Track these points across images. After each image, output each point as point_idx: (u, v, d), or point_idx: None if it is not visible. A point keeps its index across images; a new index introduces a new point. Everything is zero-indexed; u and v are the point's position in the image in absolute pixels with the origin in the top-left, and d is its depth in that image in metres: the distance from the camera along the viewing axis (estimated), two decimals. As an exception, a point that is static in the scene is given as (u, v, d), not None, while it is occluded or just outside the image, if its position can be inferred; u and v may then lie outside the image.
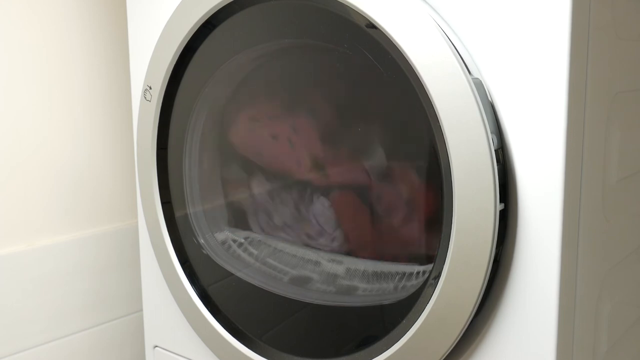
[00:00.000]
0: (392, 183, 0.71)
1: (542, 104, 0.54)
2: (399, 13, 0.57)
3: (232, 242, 0.82)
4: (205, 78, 0.76)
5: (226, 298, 0.80)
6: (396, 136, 0.70)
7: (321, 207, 0.78)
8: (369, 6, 0.59)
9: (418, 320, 0.61)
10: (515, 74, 0.55)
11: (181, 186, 0.82)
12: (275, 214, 0.81)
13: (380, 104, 0.71)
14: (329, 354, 0.71)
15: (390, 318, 0.65)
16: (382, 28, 0.58)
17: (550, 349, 0.57)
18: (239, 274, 0.79)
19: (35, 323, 0.94)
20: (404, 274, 0.68)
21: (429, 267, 0.62)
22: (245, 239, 0.82)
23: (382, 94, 0.68)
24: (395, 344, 0.63)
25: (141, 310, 1.06)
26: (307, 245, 0.78)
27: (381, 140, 0.71)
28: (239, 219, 0.84)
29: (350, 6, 0.60)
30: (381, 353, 0.65)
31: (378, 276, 0.71)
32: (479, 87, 0.56)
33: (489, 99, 0.57)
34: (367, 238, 0.75)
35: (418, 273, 0.67)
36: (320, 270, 0.75)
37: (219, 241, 0.82)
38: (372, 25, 0.59)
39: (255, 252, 0.81)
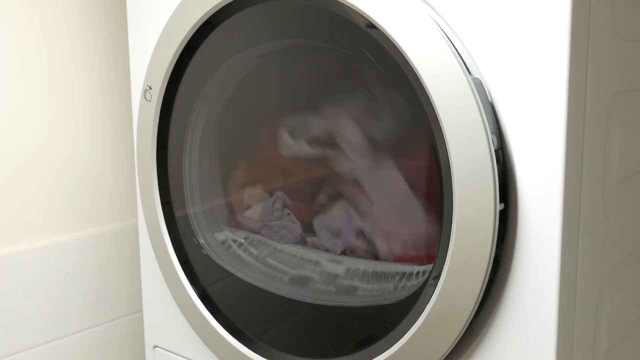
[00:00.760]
0: (392, 183, 0.71)
1: (542, 104, 0.54)
2: (399, 13, 0.57)
3: (232, 242, 0.82)
4: (205, 78, 0.76)
5: (226, 298, 0.80)
6: (396, 136, 0.70)
7: (321, 208, 0.78)
8: (369, 6, 0.59)
9: (418, 320, 0.61)
10: (515, 74, 0.55)
11: (181, 186, 0.82)
12: (275, 213, 0.81)
13: (380, 104, 0.71)
14: (329, 354, 0.71)
15: (390, 318, 0.65)
16: (382, 28, 0.58)
17: (550, 349, 0.57)
18: (239, 274, 0.79)
19: (35, 323, 0.94)
20: (404, 274, 0.68)
21: (429, 267, 0.62)
22: (245, 239, 0.82)
23: (382, 94, 0.68)
24: (395, 344, 0.63)
25: (141, 310, 1.06)
26: (306, 245, 0.78)
27: (381, 140, 0.71)
28: (238, 219, 0.84)
29: (350, 6, 0.60)
30: (381, 353, 0.65)
31: (378, 276, 0.71)
32: (479, 87, 0.56)
33: (489, 99, 0.57)
34: (367, 238, 0.75)
35: (418, 273, 0.67)
36: (320, 270, 0.75)
37: (219, 241, 0.82)
38: (372, 25, 0.59)
39: (255, 252, 0.81)
